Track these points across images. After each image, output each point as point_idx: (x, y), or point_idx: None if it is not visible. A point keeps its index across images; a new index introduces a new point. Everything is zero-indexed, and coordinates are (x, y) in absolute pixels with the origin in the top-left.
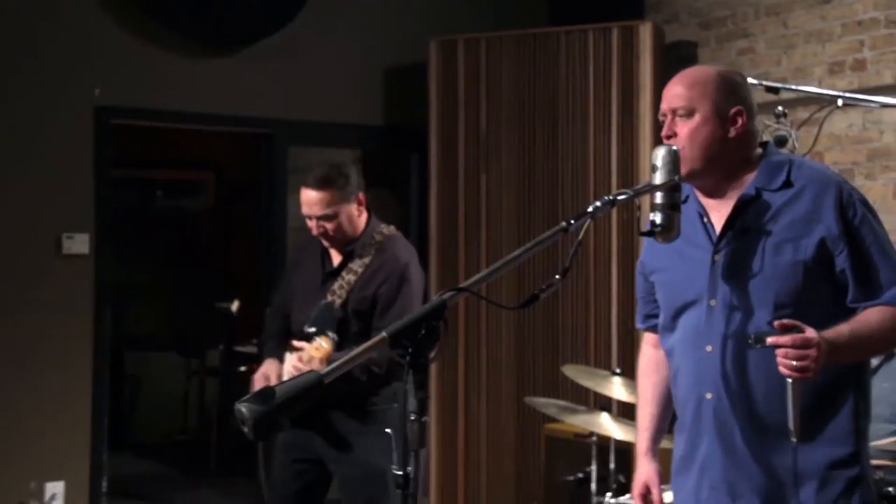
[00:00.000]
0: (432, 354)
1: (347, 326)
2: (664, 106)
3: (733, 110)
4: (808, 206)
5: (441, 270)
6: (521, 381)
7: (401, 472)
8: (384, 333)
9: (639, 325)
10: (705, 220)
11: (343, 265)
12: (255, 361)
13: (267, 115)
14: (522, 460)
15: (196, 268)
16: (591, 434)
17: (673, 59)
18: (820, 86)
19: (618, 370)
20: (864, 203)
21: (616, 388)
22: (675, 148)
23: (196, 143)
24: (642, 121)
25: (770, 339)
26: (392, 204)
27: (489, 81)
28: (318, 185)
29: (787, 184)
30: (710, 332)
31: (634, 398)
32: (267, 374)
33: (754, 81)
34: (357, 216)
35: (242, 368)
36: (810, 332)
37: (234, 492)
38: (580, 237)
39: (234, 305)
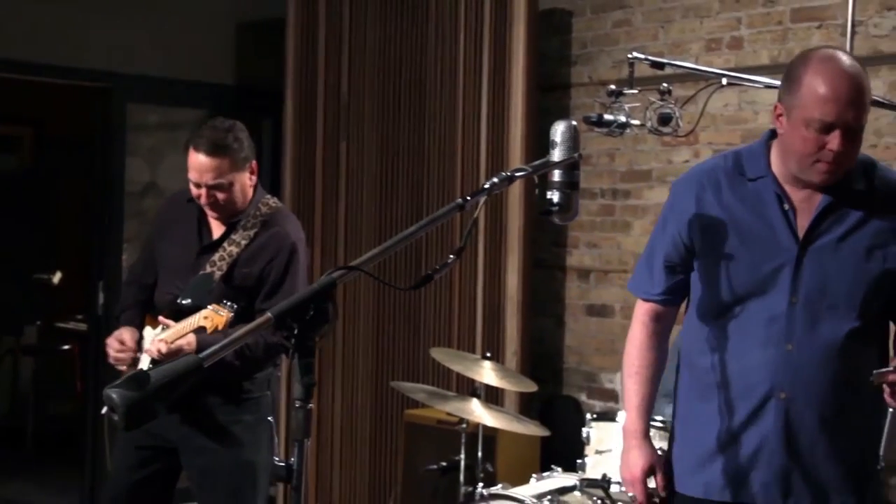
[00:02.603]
0: (319, 337)
1: (232, 302)
2: (841, 115)
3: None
4: (894, 215)
5: None
6: (379, 363)
7: (283, 464)
8: (269, 314)
9: (651, 293)
10: (786, 206)
11: (224, 236)
12: (78, 339)
13: (104, 67)
14: (379, 448)
15: (11, 234)
16: (461, 421)
17: (546, 27)
18: (697, 63)
19: (488, 354)
20: None
21: (486, 373)
22: (574, 123)
23: (11, 95)
24: (514, 90)
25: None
26: None
27: (352, 41)
28: (213, 151)
29: (871, 187)
30: (791, 330)
31: (504, 384)
32: (121, 337)
33: (640, 56)
34: (248, 186)
35: (65, 347)
36: None
37: (54, 484)
38: (476, 215)
39: (56, 277)
